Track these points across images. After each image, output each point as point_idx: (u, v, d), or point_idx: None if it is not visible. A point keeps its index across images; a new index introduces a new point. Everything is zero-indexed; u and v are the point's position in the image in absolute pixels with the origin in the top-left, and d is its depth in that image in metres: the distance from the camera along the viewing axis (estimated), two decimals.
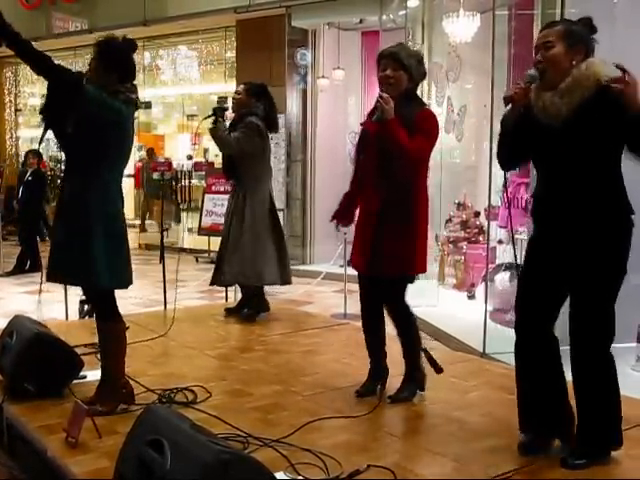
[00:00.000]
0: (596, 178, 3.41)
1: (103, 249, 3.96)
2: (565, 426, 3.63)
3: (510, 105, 3.59)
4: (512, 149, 3.70)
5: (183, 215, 16.07)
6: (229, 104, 6.81)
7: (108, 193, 4.06)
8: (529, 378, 3.68)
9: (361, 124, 4.51)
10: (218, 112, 6.53)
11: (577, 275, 3.47)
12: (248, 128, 6.46)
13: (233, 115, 6.72)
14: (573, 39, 3.47)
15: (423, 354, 4.54)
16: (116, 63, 4.05)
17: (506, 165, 3.83)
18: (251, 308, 6.80)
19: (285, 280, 6.78)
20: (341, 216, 4.69)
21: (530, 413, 3.69)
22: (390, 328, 4.58)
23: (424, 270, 4.48)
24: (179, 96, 17.29)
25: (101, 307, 4.18)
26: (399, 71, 4.28)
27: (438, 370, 4.54)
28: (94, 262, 3.95)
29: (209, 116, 6.56)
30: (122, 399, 4.17)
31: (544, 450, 3.65)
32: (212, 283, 6.90)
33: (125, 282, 4.16)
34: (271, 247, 6.60)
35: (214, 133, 6.54)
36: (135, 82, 4.18)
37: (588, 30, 3.53)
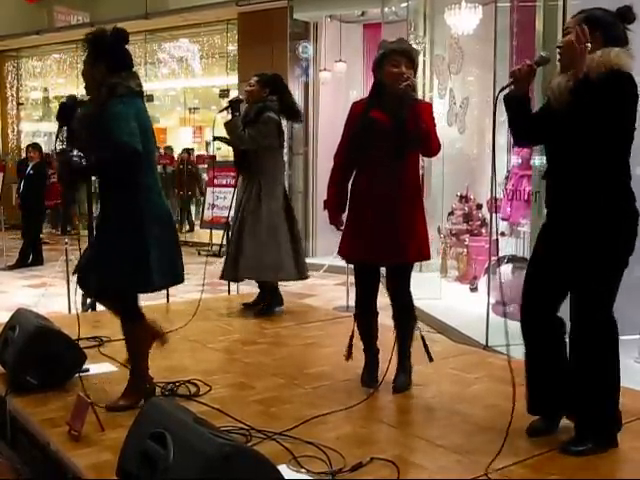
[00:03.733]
0: (600, 163, 3.41)
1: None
2: (570, 407, 3.67)
3: (512, 82, 3.59)
4: (520, 128, 3.72)
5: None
6: (243, 98, 6.74)
7: (152, 195, 4.08)
8: (534, 359, 3.73)
9: (370, 116, 4.37)
10: (234, 105, 6.48)
11: (578, 260, 3.48)
12: (265, 124, 6.39)
13: (246, 106, 6.63)
14: (591, 24, 3.45)
15: (421, 340, 4.59)
16: (104, 53, 3.99)
17: (518, 141, 3.86)
18: (265, 303, 6.78)
19: (302, 275, 6.75)
20: (339, 212, 4.67)
21: (536, 394, 3.75)
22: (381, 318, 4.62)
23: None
24: (181, 89, 17.29)
25: (126, 309, 4.16)
26: (410, 69, 4.32)
27: (430, 358, 4.60)
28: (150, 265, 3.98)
29: (225, 108, 6.52)
30: (144, 394, 4.14)
31: (550, 430, 3.73)
32: (224, 278, 6.87)
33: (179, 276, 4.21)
34: (287, 242, 6.57)
35: (230, 128, 6.48)
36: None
37: (619, 19, 3.51)
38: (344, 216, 4.64)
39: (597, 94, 3.30)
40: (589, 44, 3.32)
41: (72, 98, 4.22)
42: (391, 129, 4.28)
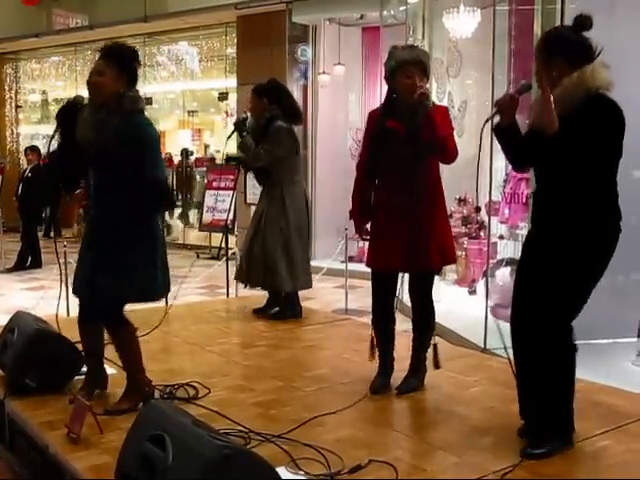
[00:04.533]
0: (585, 186, 3.42)
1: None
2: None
3: (497, 113, 3.59)
4: (515, 156, 3.74)
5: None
6: (247, 114, 6.73)
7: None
8: (522, 367, 3.73)
9: (386, 124, 4.41)
10: (240, 126, 6.51)
11: (552, 269, 3.49)
12: (276, 134, 6.35)
13: (252, 121, 6.61)
14: (548, 52, 3.51)
15: (433, 348, 4.60)
16: (128, 68, 4.11)
17: (516, 167, 3.87)
18: (281, 307, 6.73)
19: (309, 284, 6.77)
20: (364, 222, 4.67)
21: (521, 400, 3.76)
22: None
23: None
24: (180, 92, 17.28)
25: (113, 316, 4.17)
26: (423, 78, 4.35)
27: (438, 365, 4.59)
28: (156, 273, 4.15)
29: (232, 133, 6.53)
30: (144, 397, 4.15)
31: None
32: (250, 284, 6.77)
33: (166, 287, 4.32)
34: (303, 250, 6.59)
35: (243, 149, 6.49)
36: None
37: (578, 30, 3.52)
38: (369, 225, 4.66)
39: (580, 125, 3.32)
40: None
41: (80, 99, 4.24)
42: (406, 138, 4.32)
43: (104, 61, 4.09)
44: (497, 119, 3.62)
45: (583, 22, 3.52)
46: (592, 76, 3.39)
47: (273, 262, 6.38)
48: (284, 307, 6.69)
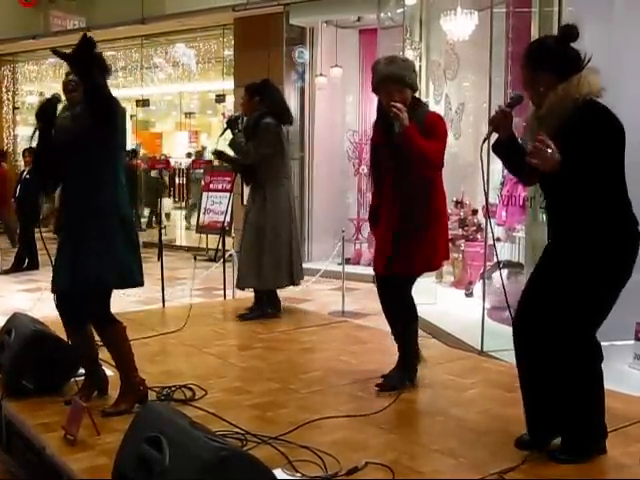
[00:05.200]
0: (594, 197, 3.31)
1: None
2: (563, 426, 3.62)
3: (493, 130, 3.57)
4: (518, 171, 3.70)
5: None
6: (239, 112, 6.77)
7: (120, 190, 4.20)
8: (523, 373, 3.65)
9: (371, 141, 4.62)
10: (232, 124, 6.52)
11: (573, 280, 3.40)
12: (264, 131, 6.39)
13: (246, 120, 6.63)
14: (532, 67, 3.44)
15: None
16: (98, 59, 4.11)
17: (526, 184, 3.81)
18: (261, 306, 6.78)
19: (295, 280, 6.82)
20: (373, 229, 4.88)
21: (529, 413, 3.65)
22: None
23: (424, 270, 4.67)
24: (177, 94, 17.29)
25: (100, 312, 4.17)
26: (403, 90, 4.39)
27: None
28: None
29: (224, 131, 6.55)
30: (140, 396, 4.18)
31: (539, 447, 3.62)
32: (253, 288, 6.82)
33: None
34: (288, 244, 6.63)
35: (233, 146, 6.53)
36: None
37: (566, 41, 3.43)
38: None
39: (573, 136, 3.24)
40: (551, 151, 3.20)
41: (58, 97, 4.26)
42: (390, 151, 4.41)
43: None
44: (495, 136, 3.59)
45: (569, 32, 3.43)
46: (578, 85, 3.31)
47: (246, 261, 6.54)
48: (264, 305, 6.76)
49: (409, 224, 4.39)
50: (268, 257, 6.50)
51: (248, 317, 6.66)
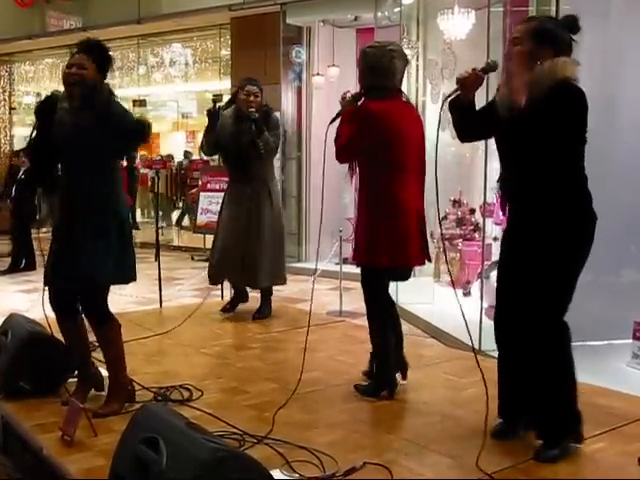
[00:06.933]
0: (552, 170, 3.44)
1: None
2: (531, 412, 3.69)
3: (459, 89, 3.64)
4: (464, 130, 3.82)
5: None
6: (220, 105, 6.74)
7: (118, 188, 4.23)
8: (502, 364, 3.79)
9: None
10: (213, 115, 6.59)
11: (535, 264, 3.50)
12: (277, 124, 6.59)
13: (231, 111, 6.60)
14: (541, 38, 3.50)
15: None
16: (105, 65, 4.16)
17: (462, 140, 3.92)
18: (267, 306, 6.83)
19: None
20: None
21: (501, 399, 3.77)
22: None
23: (386, 264, 4.53)
24: (174, 94, 17.27)
25: (98, 308, 4.17)
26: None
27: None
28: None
29: (209, 125, 6.64)
30: (129, 395, 4.21)
31: (510, 435, 3.74)
32: (248, 285, 6.83)
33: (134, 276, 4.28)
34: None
35: (263, 141, 6.39)
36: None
37: (567, 30, 3.55)
38: None
39: (546, 107, 3.35)
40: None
41: (57, 94, 4.25)
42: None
43: (85, 55, 4.11)
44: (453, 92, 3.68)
45: (572, 23, 3.56)
46: (563, 67, 3.42)
47: (269, 261, 6.51)
48: (270, 302, 6.88)
49: (363, 215, 4.61)
50: (283, 255, 6.69)
51: (264, 316, 6.71)
